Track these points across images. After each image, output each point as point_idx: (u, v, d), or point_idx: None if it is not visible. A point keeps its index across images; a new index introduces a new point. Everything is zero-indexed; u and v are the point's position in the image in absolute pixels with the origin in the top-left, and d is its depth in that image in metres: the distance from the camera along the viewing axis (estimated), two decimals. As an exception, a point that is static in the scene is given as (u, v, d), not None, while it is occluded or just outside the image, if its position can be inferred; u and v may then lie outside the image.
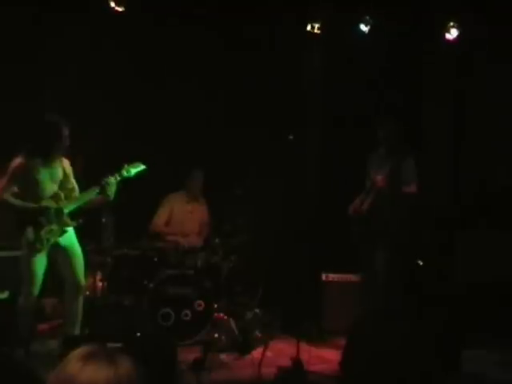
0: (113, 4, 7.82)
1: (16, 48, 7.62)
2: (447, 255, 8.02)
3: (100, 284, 7.23)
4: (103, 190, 6.17)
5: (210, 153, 8.53)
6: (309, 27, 8.46)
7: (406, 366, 2.04)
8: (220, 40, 8.49)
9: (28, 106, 7.31)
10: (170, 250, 7.67)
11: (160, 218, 8.17)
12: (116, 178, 6.24)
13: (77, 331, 6.30)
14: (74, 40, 7.85)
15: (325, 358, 6.66)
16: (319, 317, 7.88)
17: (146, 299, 7.08)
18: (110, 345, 3.60)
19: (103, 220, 6.99)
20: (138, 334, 6.66)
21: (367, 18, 8.29)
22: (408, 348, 2.07)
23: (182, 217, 8.19)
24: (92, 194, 6.21)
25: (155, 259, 7.51)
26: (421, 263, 7.74)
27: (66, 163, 6.33)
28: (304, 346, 6.39)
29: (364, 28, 8.32)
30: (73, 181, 6.35)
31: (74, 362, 1.86)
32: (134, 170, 6.40)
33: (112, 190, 6.18)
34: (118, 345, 4.46)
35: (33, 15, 7.68)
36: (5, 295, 6.74)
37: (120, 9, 7.83)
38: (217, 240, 7.69)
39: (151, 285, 7.12)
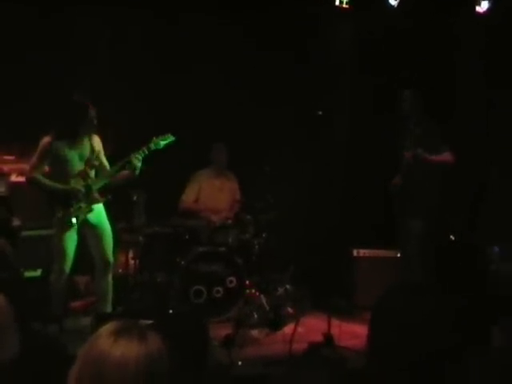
0: None
1: (45, 35, 7.66)
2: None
3: (132, 262, 7.29)
4: (130, 164, 6.19)
5: (239, 129, 8.51)
6: (337, 2, 8.38)
7: (434, 339, 2.03)
8: (246, 17, 8.43)
9: (59, 92, 7.36)
10: (201, 228, 7.69)
11: (188, 196, 8.14)
12: (144, 152, 6.25)
13: (109, 308, 6.39)
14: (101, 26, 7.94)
15: (356, 333, 6.66)
16: (350, 292, 7.88)
17: (177, 277, 7.12)
18: (142, 321, 3.63)
19: (134, 198, 7.02)
20: (171, 312, 6.74)
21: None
22: (436, 321, 2.06)
23: (211, 192, 8.15)
24: (120, 167, 6.26)
25: (186, 237, 7.54)
26: (452, 238, 7.68)
27: (96, 141, 6.39)
28: (335, 322, 6.41)
29: (393, 2, 8.23)
30: (103, 158, 6.41)
31: (104, 338, 1.86)
32: (162, 142, 6.37)
33: (138, 165, 6.20)
34: (150, 322, 4.50)
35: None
36: (38, 273, 6.83)
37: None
38: (248, 217, 7.69)
39: (183, 262, 7.15)
